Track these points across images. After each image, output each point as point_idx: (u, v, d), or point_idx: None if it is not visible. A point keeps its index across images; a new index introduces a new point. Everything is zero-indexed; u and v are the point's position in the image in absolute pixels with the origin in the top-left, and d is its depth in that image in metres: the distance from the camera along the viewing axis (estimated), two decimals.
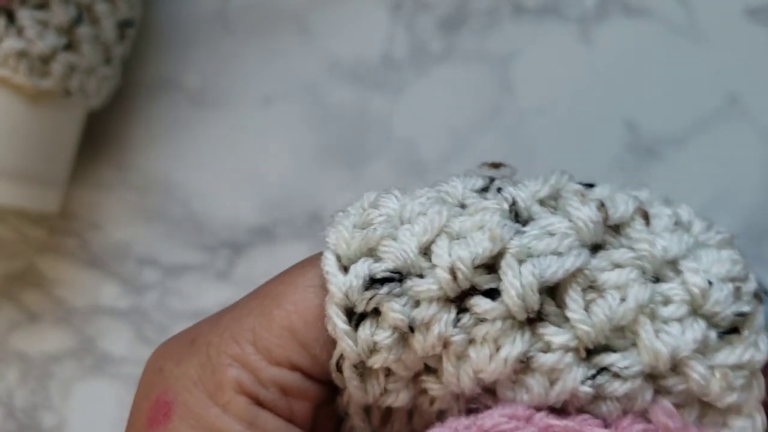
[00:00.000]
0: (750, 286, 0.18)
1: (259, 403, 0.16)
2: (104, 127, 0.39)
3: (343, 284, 0.16)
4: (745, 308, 0.17)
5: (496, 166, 0.19)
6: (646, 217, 0.18)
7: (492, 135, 0.39)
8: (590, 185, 0.18)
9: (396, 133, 0.36)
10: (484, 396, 0.16)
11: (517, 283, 0.15)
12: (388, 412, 0.18)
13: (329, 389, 0.17)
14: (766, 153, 0.39)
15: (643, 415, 0.16)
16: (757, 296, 0.17)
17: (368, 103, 0.39)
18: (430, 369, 0.16)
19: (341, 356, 0.16)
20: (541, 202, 0.17)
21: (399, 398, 0.17)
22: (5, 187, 0.33)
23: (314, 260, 0.17)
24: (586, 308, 0.16)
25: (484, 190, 0.17)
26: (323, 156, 0.39)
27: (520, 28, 0.39)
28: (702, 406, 0.16)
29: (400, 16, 0.40)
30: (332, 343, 0.16)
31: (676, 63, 0.39)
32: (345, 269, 0.16)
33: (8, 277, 0.39)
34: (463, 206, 0.17)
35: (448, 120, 0.39)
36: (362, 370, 0.16)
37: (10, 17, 0.31)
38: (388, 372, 0.16)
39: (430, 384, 0.16)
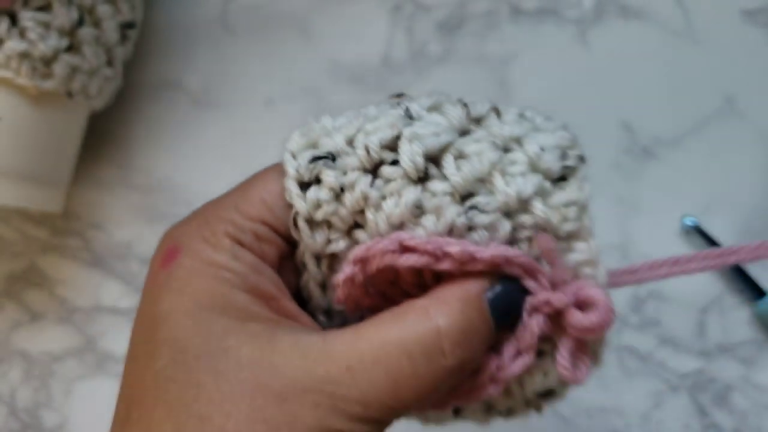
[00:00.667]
0: (575, 151, 0.24)
1: (240, 243, 0.22)
2: (106, 128, 0.39)
3: (294, 164, 0.23)
4: (570, 163, 0.23)
5: (399, 95, 0.25)
6: (498, 113, 0.24)
7: None
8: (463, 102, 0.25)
9: None
10: None
11: (408, 152, 0.22)
12: (332, 260, 0.23)
13: (290, 246, 0.23)
14: (762, 153, 0.39)
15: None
16: (581, 158, 0.24)
17: (368, 104, 0.39)
18: (359, 225, 0.23)
19: (296, 213, 0.23)
20: (428, 110, 0.24)
21: (339, 245, 0.23)
22: (8, 187, 0.33)
23: (272, 166, 0.24)
24: (457, 168, 0.22)
25: (395, 107, 0.24)
26: None
27: (518, 30, 0.40)
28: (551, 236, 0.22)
29: (399, 19, 0.40)
30: (290, 207, 0.23)
31: (673, 65, 0.40)
32: (296, 158, 0.23)
33: (11, 276, 0.39)
34: (377, 118, 0.24)
35: None
36: (311, 223, 0.23)
37: (13, 19, 0.31)
38: (330, 225, 0.23)
39: (360, 234, 0.23)
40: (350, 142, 0.23)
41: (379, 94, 0.39)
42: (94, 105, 0.36)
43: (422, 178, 0.22)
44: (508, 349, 0.22)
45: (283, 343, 0.21)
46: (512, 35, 0.40)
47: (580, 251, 0.23)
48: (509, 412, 0.25)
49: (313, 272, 0.23)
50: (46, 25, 0.32)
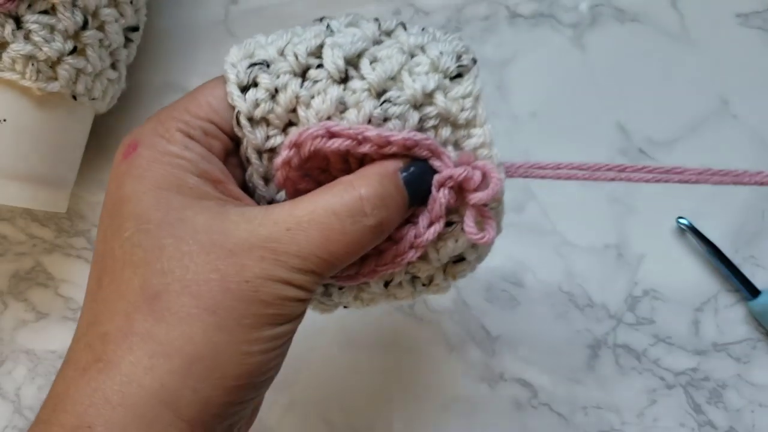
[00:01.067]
0: (469, 54, 0.27)
1: (190, 137, 0.25)
2: (110, 129, 0.40)
3: (234, 71, 0.26)
4: (465, 63, 0.27)
5: (322, 18, 0.29)
6: (404, 27, 0.28)
7: None
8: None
9: None
10: None
11: (330, 56, 0.26)
12: (272, 153, 0.27)
13: (235, 144, 0.26)
14: (756, 154, 0.39)
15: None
16: (474, 60, 0.27)
17: None
18: (293, 123, 0.26)
19: (238, 113, 0.26)
20: (347, 26, 0.27)
21: (277, 140, 0.26)
22: (13, 188, 0.33)
23: (219, 77, 0.27)
24: (372, 69, 0.26)
25: (318, 22, 0.28)
26: None
27: (515, 33, 0.40)
28: (452, 125, 0.27)
29: None
30: (233, 109, 0.26)
31: (668, 67, 0.40)
32: (235, 66, 0.26)
33: (16, 276, 0.39)
34: (303, 32, 0.27)
35: None
36: (251, 121, 0.26)
37: (18, 22, 0.31)
38: (268, 123, 0.26)
39: (294, 130, 0.26)
40: (281, 52, 0.27)
41: None
42: (98, 107, 0.36)
43: (344, 79, 0.26)
44: (423, 220, 0.26)
45: (232, 213, 0.24)
46: (510, 39, 0.40)
47: (477, 136, 0.27)
48: (430, 282, 0.29)
49: (256, 165, 0.27)
50: (51, 29, 0.32)
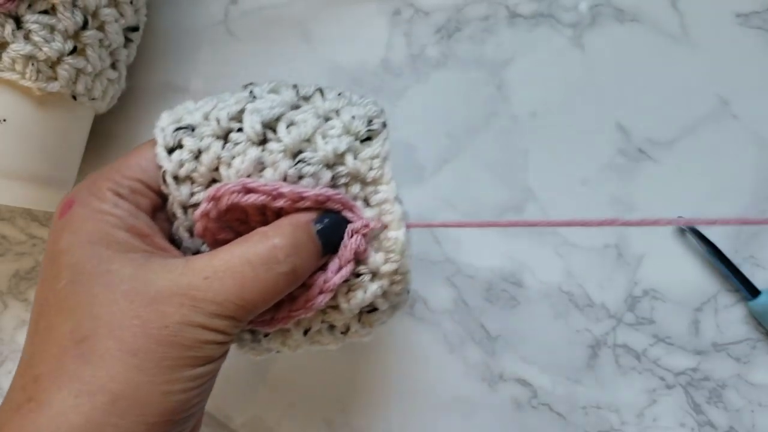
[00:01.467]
0: (380, 119, 0.30)
1: (120, 195, 0.28)
2: (110, 129, 0.40)
3: (162, 135, 0.29)
4: (374, 127, 0.30)
5: (248, 85, 0.31)
6: (322, 93, 0.31)
7: (487, 138, 0.39)
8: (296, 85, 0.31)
9: (395, 136, 0.37)
10: None
11: (250, 121, 0.28)
12: (196, 208, 0.29)
13: (162, 201, 0.29)
14: (756, 155, 0.39)
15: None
16: (384, 124, 0.30)
17: None
18: (216, 180, 0.29)
19: (164, 172, 0.28)
20: (269, 92, 0.30)
21: (200, 197, 0.29)
22: (13, 188, 0.33)
23: (149, 140, 0.29)
24: (288, 132, 0.28)
25: (243, 89, 0.31)
26: None
27: (515, 34, 0.40)
28: (361, 182, 0.29)
29: (398, 23, 0.40)
30: (160, 168, 0.28)
31: (668, 67, 0.40)
32: (164, 130, 0.29)
33: (16, 276, 0.39)
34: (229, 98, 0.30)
35: (445, 123, 0.39)
36: (177, 179, 0.29)
37: (18, 22, 0.32)
38: (192, 180, 0.29)
39: (217, 186, 0.28)
40: (206, 117, 0.29)
41: (379, 96, 0.40)
42: (98, 107, 0.36)
43: (262, 141, 0.29)
44: (332, 266, 0.29)
45: (154, 264, 0.26)
46: (509, 39, 0.40)
47: (383, 192, 0.29)
48: (347, 330, 0.31)
49: (181, 219, 0.29)
50: (51, 29, 0.32)
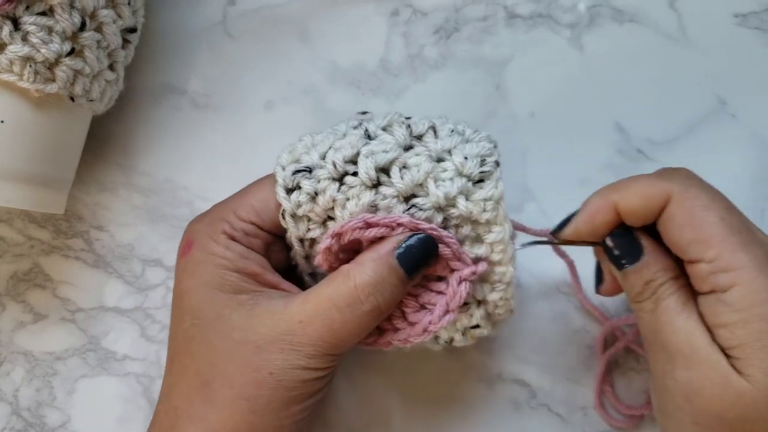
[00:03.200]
0: (493, 158, 0.31)
1: (233, 238, 0.31)
2: (109, 130, 0.40)
3: (282, 175, 0.31)
4: (487, 169, 0.31)
5: (364, 112, 0.33)
6: (434, 131, 0.32)
7: None
8: (409, 117, 0.32)
9: None
10: None
11: (364, 165, 0.30)
12: (312, 242, 0.32)
13: (274, 236, 0.32)
14: (754, 155, 0.39)
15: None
16: (497, 163, 0.31)
17: (367, 108, 0.39)
18: (331, 218, 0.31)
19: (283, 211, 0.31)
20: (383, 129, 0.32)
21: (316, 233, 0.31)
22: (11, 189, 0.33)
23: (268, 175, 0.32)
24: (402, 176, 0.30)
25: (357, 126, 0.32)
26: None
27: (513, 34, 0.40)
28: (473, 223, 0.31)
29: (397, 24, 0.40)
30: (277, 209, 0.31)
31: (666, 67, 0.40)
32: (284, 170, 0.31)
33: (14, 277, 0.39)
34: (344, 135, 0.32)
35: None
36: (295, 217, 0.31)
37: (15, 23, 0.31)
38: (309, 219, 0.31)
39: (331, 224, 0.31)
40: (323, 157, 0.31)
41: (377, 96, 0.40)
42: (96, 108, 0.36)
43: (375, 185, 0.30)
44: (439, 309, 0.30)
45: (260, 309, 0.30)
46: (508, 39, 0.40)
47: (496, 232, 0.31)
48: (451, 341, 0.33)
49: (298, 250, 0.32)
50: (49, 30, 0.32)
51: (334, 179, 0.30)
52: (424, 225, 0.29)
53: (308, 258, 0.32)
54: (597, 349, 0.38)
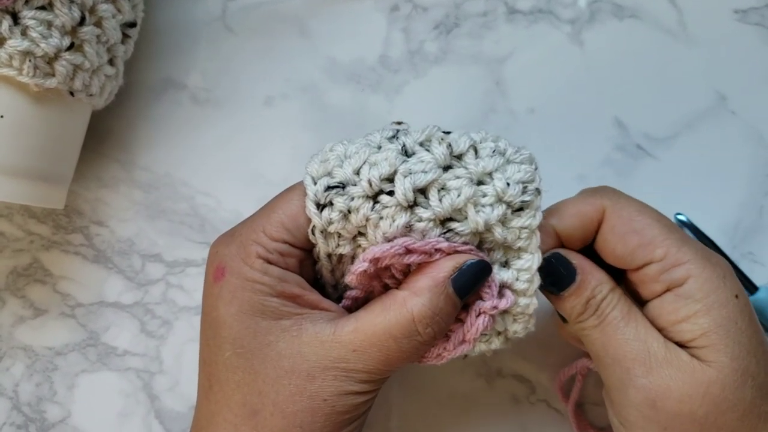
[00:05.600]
0: (533, 185, 0.30)
1: (269, 261, 0.30)
2: (108, 125, 0.40)
3: (313, 190, 0.29)
4: (527, 198, 0.30)
5: (399, 123, 0.32)
6: (475, 150, 0.30)
7: None
8: (448, 132, 0.31)
9: None
10: None
11: (401, 186, 0.28)
12: (340, 257, 0.31)
13: (306, 252, 0.31)
14: (753, 151, 0.39)
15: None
16: (538, 190, 0.30)
17: (366, 103, 0.40)
18: (362, 234, 0.30)
19: (313, 227, 0.30)
20: (421, 144, 0.30)
21: (346, 249, 0.30)
22: (11, 184, 0.33)
23: (295, 186, 0.31)
24: (440, 199, 0.29)
25: (392, 137, 0.30)
26: None
27: (513, 29, 0.40)
28: (505, 248, 0.30)
29: (397, 19, 0.40)
30: (307, 223, 0.30)
31: (666, 63, 0.40)
32: (315, 183, 0.29)
33: (14, 272, 0.39)
34: (379, 147, 0.30)
35: (444, 119, 0.39)
36: (325, 234, 0.30)
37: (15, 18, 0.31)
38: (339, 235, 0.30)
39: (362, 241, 0.30)
40: (357, 172, 0.29)
41: (377, 92, 0.40)
42: (95, 103, 0.36)
43: (412, 205, 0.29)
44: (456, 338, 0.30)
45: (307, 335, 0.29)
46: (508, 35, 0.40)
47: (526, 260, 0.30)
48: (464, 357, 0.32)
49: (325, 264, 0.31)
50: (48, 24, 0.32)
51: (368, 197, 0.29)
52: (463, 248, 0.29)
53: (333, 272, 0.31)
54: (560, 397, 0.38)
